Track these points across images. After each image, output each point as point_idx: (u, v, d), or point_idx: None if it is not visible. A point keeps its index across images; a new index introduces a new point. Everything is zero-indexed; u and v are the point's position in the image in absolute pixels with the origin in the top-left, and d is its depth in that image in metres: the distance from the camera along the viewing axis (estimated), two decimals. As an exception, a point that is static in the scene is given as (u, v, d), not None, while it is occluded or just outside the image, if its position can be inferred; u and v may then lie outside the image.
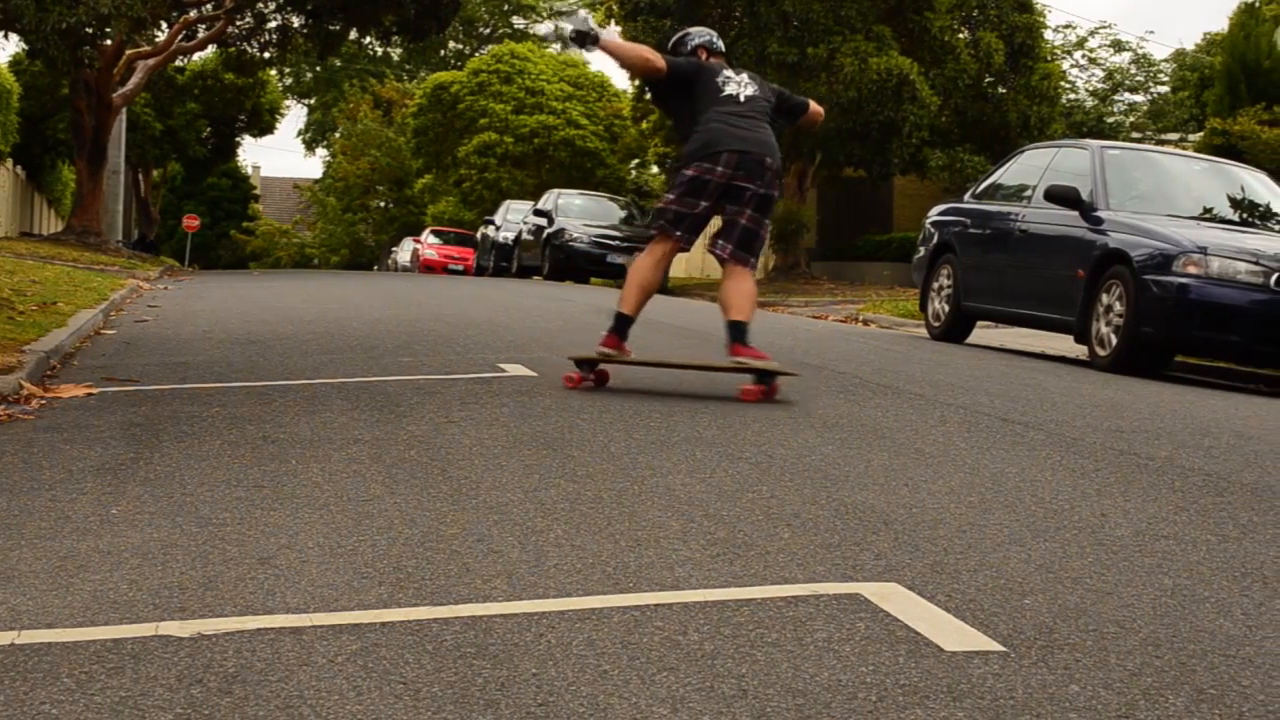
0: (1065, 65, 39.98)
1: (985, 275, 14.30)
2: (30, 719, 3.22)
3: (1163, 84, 42.64)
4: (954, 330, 14.80)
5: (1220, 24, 76.37)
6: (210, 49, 38.20)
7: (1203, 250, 11.59)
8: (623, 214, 33.28)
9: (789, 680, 3.48)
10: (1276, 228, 13.24)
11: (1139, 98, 42.22)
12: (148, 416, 7.48)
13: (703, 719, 3.24)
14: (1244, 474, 6.50)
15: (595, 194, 37.08)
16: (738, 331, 8.48)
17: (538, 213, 32.37)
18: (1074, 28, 63.22)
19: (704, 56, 8.86)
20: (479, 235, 39.62)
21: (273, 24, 33.48)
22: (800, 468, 6.15)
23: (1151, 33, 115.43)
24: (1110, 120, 39.84)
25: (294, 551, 4.64)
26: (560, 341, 11.61)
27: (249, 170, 78.28)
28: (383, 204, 66.33)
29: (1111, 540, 5.03)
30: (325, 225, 69.22)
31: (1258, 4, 31.41)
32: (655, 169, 47.68)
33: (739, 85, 8.66)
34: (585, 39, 8.52)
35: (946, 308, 14.86)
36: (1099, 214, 12.68)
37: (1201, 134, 30.27)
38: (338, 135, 71.75)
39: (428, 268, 44.15)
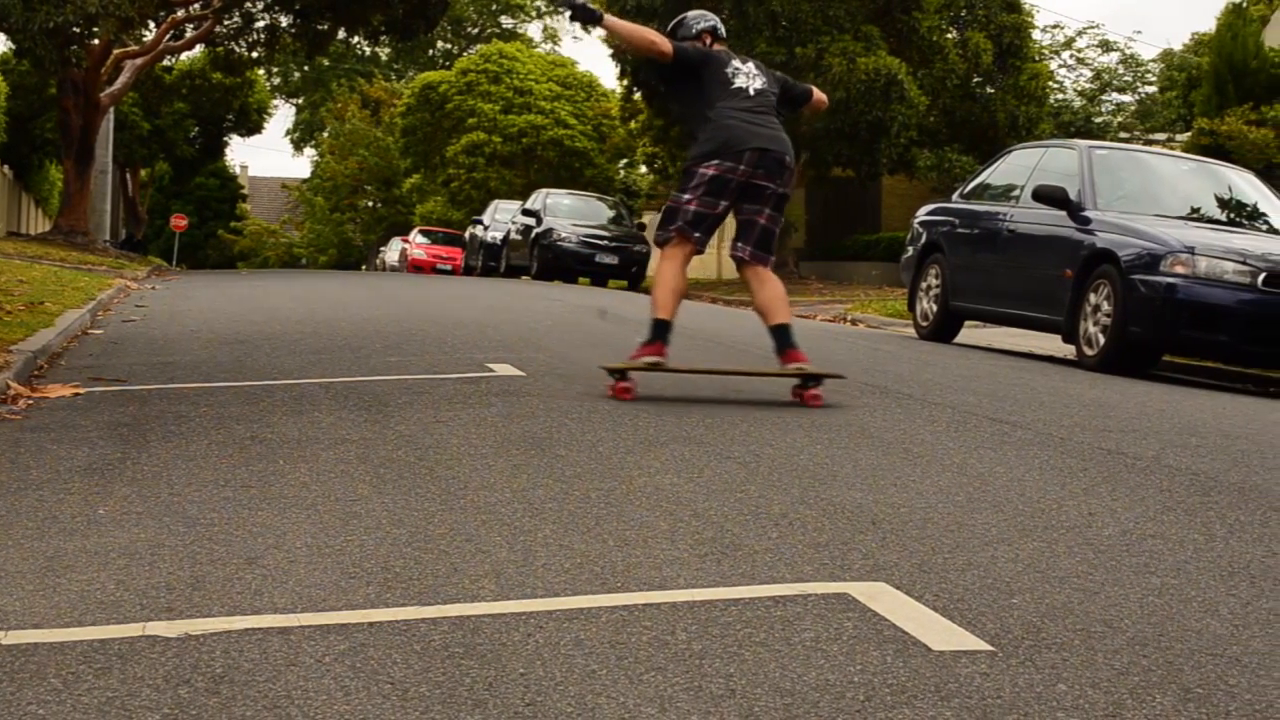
0: (1053, 65, 40.09)
1: (973, 275, 14.32)
2: (17, 719, 3.21)
3: (1150, 84, 42.75)
4: (942, 330, 14.82)
5: (1208, 24, 76.46)
6: (198, 48, 38.16)
7: (1190, 250, 11.61)
8: (611, 214, 33.29)
9: (777, 680, 3.49)
10: (1263, 227, 13.26)
11: (1127, 98, 42.34)
12: (135, 416, 7.47)
13: (691, 718, 3.24)
14: (1231, 473, 6.51)
15: (583, 194, 37.10)
16: (788, 336, 8.29)
17: (526, 212, 32.36)
18: (1062, 28, 63.46)
19: (708, 42, 8.57)
20: (467, 235, 39.61)
21: (261, 23, 33.46)
22: (788, 467, 6.15)
23: (1139, 33, 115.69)
24: (1098, 120, 39.91)
25: (281, 551, 4.64)
26: (549, 341, 11.61)
27: (237, 170, 78.16)
28: (371, 204, 66.31)
29: (1099, 540, 5.04)
30: (313, 225, 69.18)
31: (1245, 4, 31.46)
32: (643, 169, 47.68)
33: (748, 77, 8.41)
34: (589, 17, 8.26)
35: (935, 307, 14.88)
36: (1087, 214, 12.70)
37: (1189, 134, 30.32)
38: (326, 135, 71.73)
39: (416, 267, 44.13)
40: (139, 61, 34.17)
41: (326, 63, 74.55)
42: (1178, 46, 47.01)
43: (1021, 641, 3.83)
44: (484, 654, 3.64)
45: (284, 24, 33.13)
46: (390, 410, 7.57)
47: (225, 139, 54.96)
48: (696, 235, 8.30)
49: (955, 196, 15.67)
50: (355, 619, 3.93)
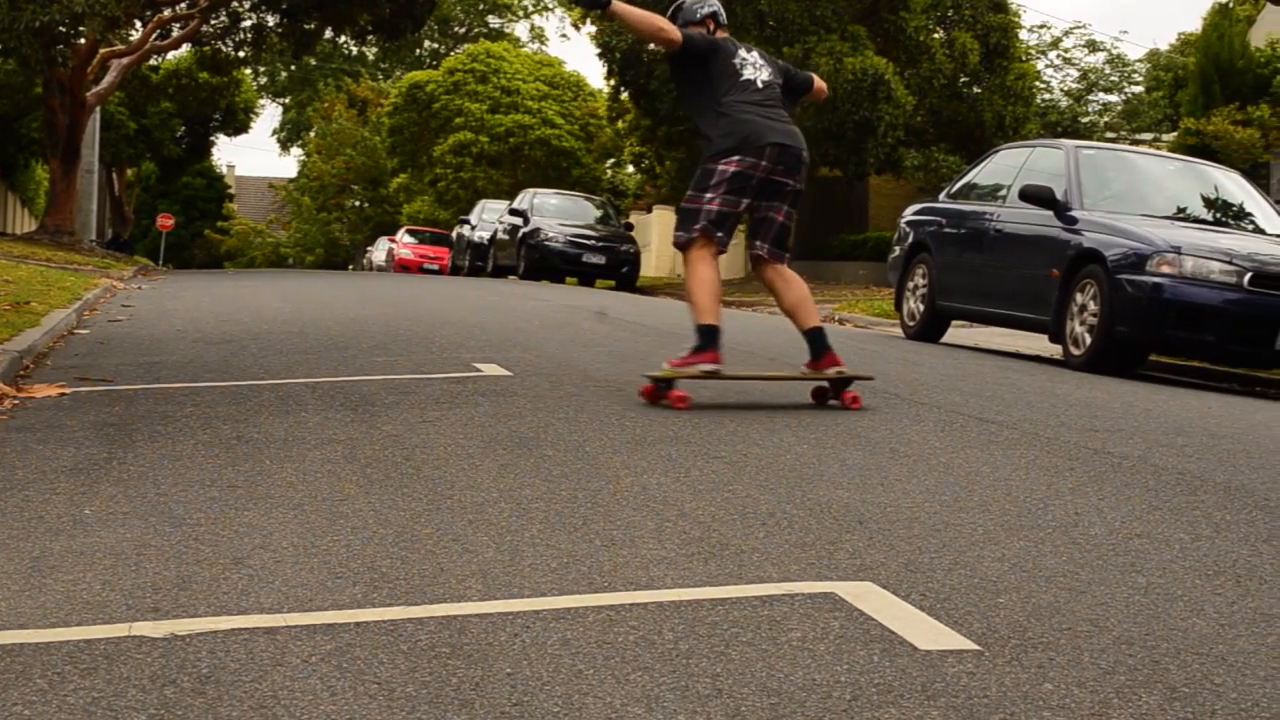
0: (1040, 65, 40.14)
1: (960, 275, 14.33)
2: (2, 719, 3.21)
3: (1137, 84, 42.84)
4: (929, 329, 14.83)
5: (1194, 24, 76.63)
6: (185, 48, 38.09)
7: (1176, 250, 11.63)
8: (598, 213, 33.30)
9: (763, 679, 3.49)
10: (1249, 227, 13.29)
11: (1113, 98, 42.41)
12: (121, 416, 7.46)
13: (677, 718, 3.23)
14: (1217, 473, 6.52)
15: (571, 193, 37.11)
16: (825, 340, 8.14)
17: (513, 212, 32.35)
18: (1049, 28, 63.54)
19: (711, 28, 8.29)
20: (454, 235, 39.59)
21: (247, 23, 33.45)
22: (775, 467, 6.15)
23: (1125, 33, 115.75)
24: (1085, 120, 39.98)
25: (268, 551, 4.63)
26: (536, 341, 11.60)
27: (223, 169, 78.12)
28: (358, 203, 66.26)
29: (1085, 539, 5.04)
30: (300, 225, 69.10)
31: (1231, 4, 31.52)
32: (630, 168, 47.70)
33: (755, 68, 8.16)
34: (596, 2, 7.95)
35: (921, 307, 14.89)
36: (1073, 213, 12.72)
37: (1175, 134, 30.40)
38: (313, 134, 71.68)
39: (403, 267, 44.12)
40: (125, 61, 34.13)
41: (313, 62, 74.45)
42: (1164, 46, 47.16)
43: (1008, 641, 3.84)
44: (470, 654, 3.64)
45: (271, 23, 33.12)
46: (377, 410, 7.56)
47: (212, 138, 54.90)
48: (720, 234, 8.04)
49: (942, 196, 15.69)
50: (342, 619, 3.92)
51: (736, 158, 7.94)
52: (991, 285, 13.77)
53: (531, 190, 34.54)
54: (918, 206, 16.13)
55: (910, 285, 15.16)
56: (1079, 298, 12.22)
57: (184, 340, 11.76)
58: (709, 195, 8.00)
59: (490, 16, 78.86)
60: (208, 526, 4.98)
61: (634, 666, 3.56)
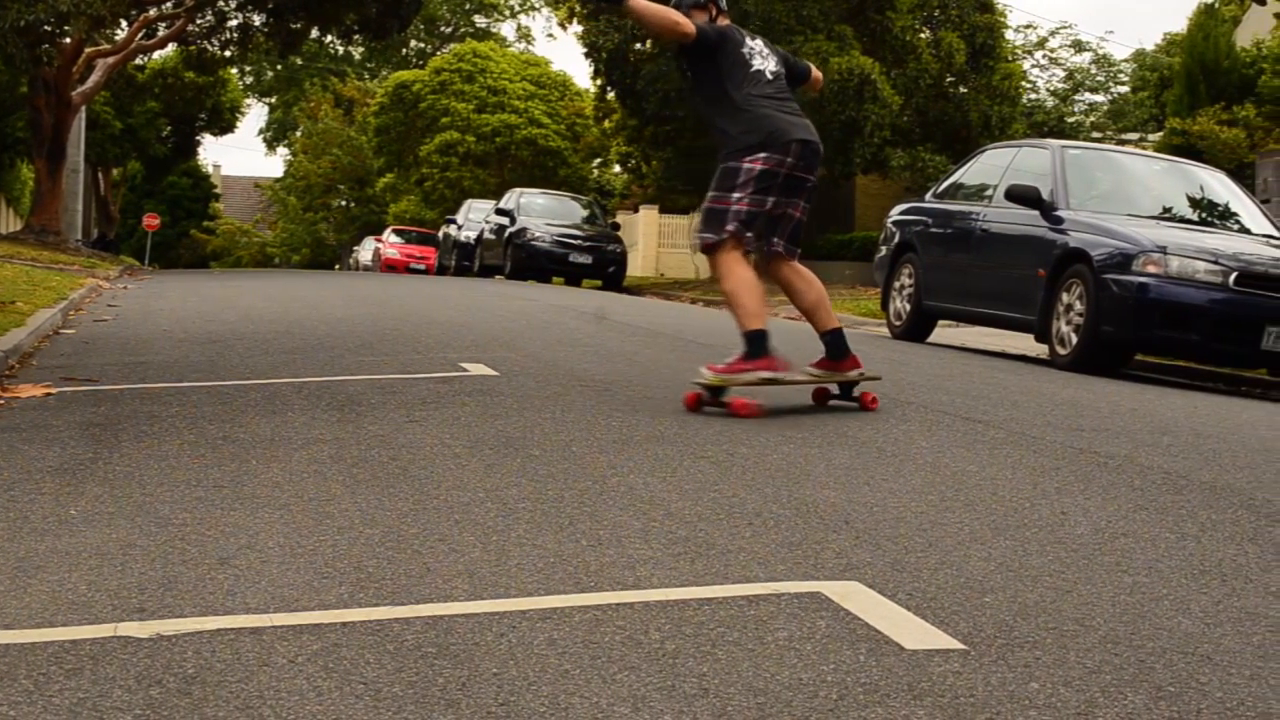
0: (1026, 65, 40.20)
1: (946, 274, 14.35)
2: (-13, 721, 3.20)
3: (1123, 84, 42.93)
4: (915, 329, 14.85)
5: (1180, 24, 76.74)
6: (170, 47, 38.03)
7: (1162, 250, 11.65)
8: (585, 213, 33.29)
9: (750, 679, 3.49)
10: (1235, 227, 13.32)
11: (1099, 98, 42.49)
12: (107, 416, 7.45)
13: (664, 718, 3.23)
14: (1202, 472, 6.54)
15: (558, 193, 37.09)
16: (845, 342, 8.01)
17: (500, 212, 32.33)
18: (1035, 28, 63.66)
19: (713, 13, 8.02)
20: (441, 234, 39.56)
21: (233, 22, 33.41)
22: (761, 466, 6.15)
23: (1111, 33, 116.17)
24: (1071, 120, 40.05)
25: (254, 552, 4.63)
26: (522, 341, 11.59)
27: (209, 169, 77.96)
28: (344, 203, 66.19)
29: (1071, 538, 5.05)
30: (286, 224, 69.00)
31: (1217, 5, 31.58)
32: (617, 168, 47.70)
33: (762, 57, 7.94)
34: (612, 1, 7.71)
35: (908, 307, 14.91)
36: (1059, 213, 12.74)
37: (1161, 134, 30.47)
38: (299, 134, 71.59)
39: (389, 267, 44.08)
40: (111, 60, 34.06)
41: (299, 62, 74.41)
42: (1150, 47, 47.25)
43: (994, 640, 3.84)
44: (457, 654, 3.63)
45: (257, 23, 33.07)
46: (363, 410, 7.56)
47: (198, 138, 54.89)
48: (749, 235, 7.79)
49: (928, 196, 15.70)
50: (328, 619, 3.92)
51: (763, 155, 7.70)
52: (977, 285, 13.79)
53: (518, 190, 34.53)
54: (904, 206, 16.15)
55: (896, 285, 15.18)
56: (1065, 297, 12.24)
57: (170, 340, 11.74)
58: (736, 195, 7.73)
59: (477, 16, 78.84)
60: (193, 526, 4.97)
61: (620, 666, 3.56)
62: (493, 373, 9.16)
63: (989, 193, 14.15)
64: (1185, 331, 11.66)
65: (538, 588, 4.24)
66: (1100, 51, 46.99)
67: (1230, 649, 3.89)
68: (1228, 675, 3.67)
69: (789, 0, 29.76)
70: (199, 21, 33.27)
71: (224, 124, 53.59)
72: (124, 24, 32.49)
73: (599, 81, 35.09)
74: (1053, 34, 43.25)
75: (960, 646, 3.77)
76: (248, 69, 75.59)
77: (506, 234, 30.80)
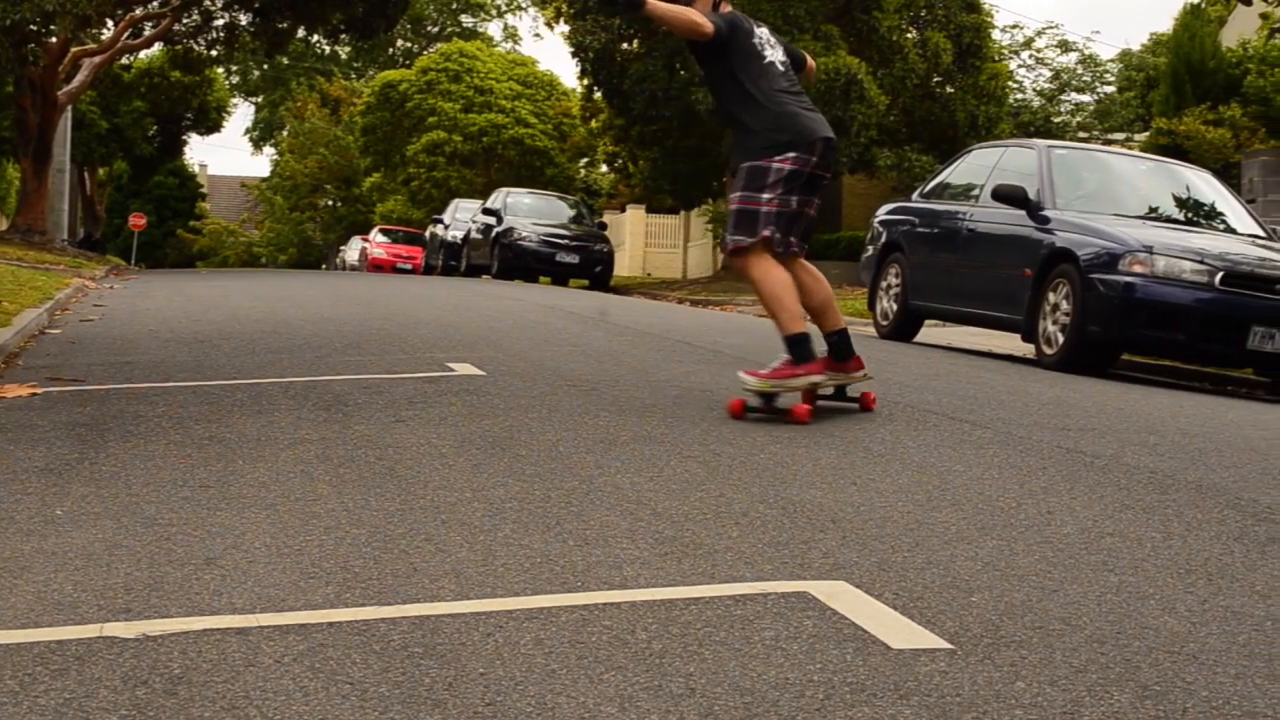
0: (1013, 65, 40.25)
1: (933, 274, 14.36)
2: (-28, 722, 3.19)
3: (1109, 84, 42.99)
4: (902, 329, 14.86)
5: (1166, 25, 76.82)
6: (156, 46, 37.99)
7: (1148, 249, 11.67)
8: (572, 213, 33.30)
9: (737, 678, 3.49)
10: (1221, 227, 13.34)
11: (1085, 98, 42.55)
12: (93, 416, 7.43)
13: (650, 717, 3.23)
14: (1188, 471, 6.55)
15: (544, 193, 37.10)
16: (850, 342, 7.93)
17: (487, 211, 32.32)
18: (1021, 28, 63.79)
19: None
20: (428, 234, 39.55)
21: (220, 21, 33.38)
22: (748, 466, 6.15)
23: (1098, 33, 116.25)
24: (1057, 120, 40.12)
25: (240, 552, 4.62)
26: (509, 341, 11.59)
27: (196, 169, 77.83)
28: (331, 203, 66.13)
29: (1057, 538, 5.06)
30: (273, 224, 68.94)
31: (1203, 5, 31.64)
32: (604, 168, 47.69)
33: (771, 47, 7.84)
34: (630, 4, 7.45)
35: (894, 306, 14.92)
36: (1046, 213, 12.75)
37: (1147, 134, 30.52)
38: (285, 134, 71.50)
39: (376, 267, 44.06)
40: (97, 59, 34.01)
41: (286, 61, 74.40)
42: (1136, 47, 47.35)
43: (980, 639, 3.85)
44: (443, 654, 3.63)
45: (243, 22, 33.04)
46: (350, 410, 7.55)
47: (184, 137, 54.75)
48: (778, 237, 7.62)
49: (915, 196, 15.71)
50: (314, 619, 3.92)
51: (792, 155, 7.59)
52: (964, 285, 13.80)
53: (505, 189, 34.53)
54: (891, 206, 16.16)
55: (883, 285, 15.18)
56: (1051, 297, 12.26)
57: (156, 340, 11.72)
58: (766, 195, 7.60)
59: (463, 15, 78.84)
60: (180, 527, 4.96)
61: (607, 666, 3.56)
62: (479, 372, 9.16)
63: (976, 193, 14.16)
64: (1171, 331, 11.67)
65: (524, 588, 4.24)
66: (1086, 51, 47.10)
67: (1216, 648, 3.90)
68: (1213, 674, 3.68)
69: (775, 0, 29.75)
70: (185, 21, 33.23)
71: (210, 123, 53.50)
72: (110, 23, 32.46)
73: (585, 81, 35.07)
74: (1039, 34, 43.30)
75: (947, 646, 3.78)
76: (234, 68, 75.52)
77: (493, 234, 30.79)
